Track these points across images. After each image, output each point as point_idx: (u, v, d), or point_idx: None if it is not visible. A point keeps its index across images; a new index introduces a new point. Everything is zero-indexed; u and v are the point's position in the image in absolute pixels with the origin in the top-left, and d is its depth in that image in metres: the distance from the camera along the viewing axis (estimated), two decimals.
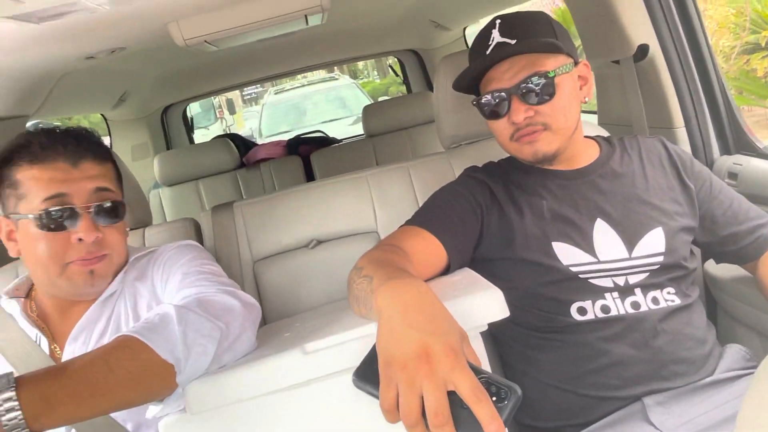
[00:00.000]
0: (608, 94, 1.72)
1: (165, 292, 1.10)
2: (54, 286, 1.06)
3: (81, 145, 1.07)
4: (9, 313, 1.09)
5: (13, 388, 0.67)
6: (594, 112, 1.89)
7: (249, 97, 16.74)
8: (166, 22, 1.30)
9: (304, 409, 0.80)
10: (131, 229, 1.44)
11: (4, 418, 0.66)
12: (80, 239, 1.02)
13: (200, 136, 3.84)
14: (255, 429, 0.79)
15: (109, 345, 0.80)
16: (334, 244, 1.46)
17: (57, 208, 1.01)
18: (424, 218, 1.12)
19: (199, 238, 1.48)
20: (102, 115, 3.02)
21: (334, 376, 0.79)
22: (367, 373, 0.71)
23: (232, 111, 13.43)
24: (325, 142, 3.32)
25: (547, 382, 1.08)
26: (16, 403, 0.67)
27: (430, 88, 3.48)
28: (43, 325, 1.09)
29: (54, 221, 1.01)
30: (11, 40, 0.97)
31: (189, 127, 3.77)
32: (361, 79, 16.15)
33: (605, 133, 1.35)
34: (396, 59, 3.85)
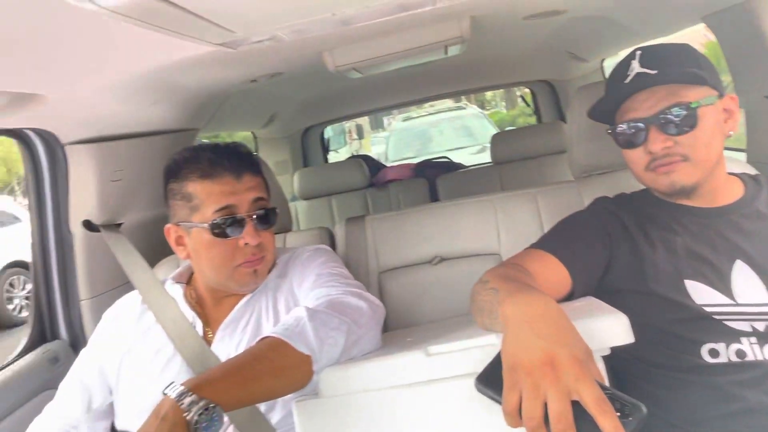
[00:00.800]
0: (760, 131, 1.62)
1: (300, 290, 1.22)
2: (221, 284, 1.21)
3: (242, 159, 1.21)
4: (172, 296, 1.26)
5: (191, 392, 0.80)
6: (744, 150, 1.77)
7: (376, 123, 17.47)
8: (321, 50, 1.45)
9: (424, 407, 0.85)
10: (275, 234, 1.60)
11: (194, 409, 0.78)
12: (246, 243, 1.17)
13: (330, 157, 4.12)
14: (378, 418, 0.86)
15: (255, 345, 0.93)
16: (456, 263, 1.51)
17: (227, 217, 1.16)
18: (551, 243, 1.13)
19: (332, 246, 1.61)
20: (252, 132, 3.35)
21: (454, 379, 0.84)
22: (490, 379, 0.75)
23: (360, 136, 14.04)
24: (451, 167, 3.40)
25: (672, 422, 1.04)
26: (195, 396, 0.79)
27: (562, 120, 3.44)
28: (199, 310, 1.25)
29: (225, 229, 1.16)
30: (199, 62, 1.15)
31: (325, 148, 4.04)
32: (489, 109, 16.15)
33: (753, 171, 1.28)
34: (528, 89, 3.86)
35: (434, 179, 2.95)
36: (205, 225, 1.16)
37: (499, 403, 0.71)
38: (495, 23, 1.67)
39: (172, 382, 0.84)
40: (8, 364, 1.43)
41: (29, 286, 7.06)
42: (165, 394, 0.82)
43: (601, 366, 0.81)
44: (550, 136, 2.74)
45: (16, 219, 7.44)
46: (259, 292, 1.24)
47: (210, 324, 1.24)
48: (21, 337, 1.55)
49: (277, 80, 1.82)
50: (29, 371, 1.43)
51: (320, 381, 0.90)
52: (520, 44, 2.37)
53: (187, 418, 0.78)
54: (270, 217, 1.24)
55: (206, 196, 1.17)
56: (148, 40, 0.84)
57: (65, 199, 1.47)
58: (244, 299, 1.23)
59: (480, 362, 0.78)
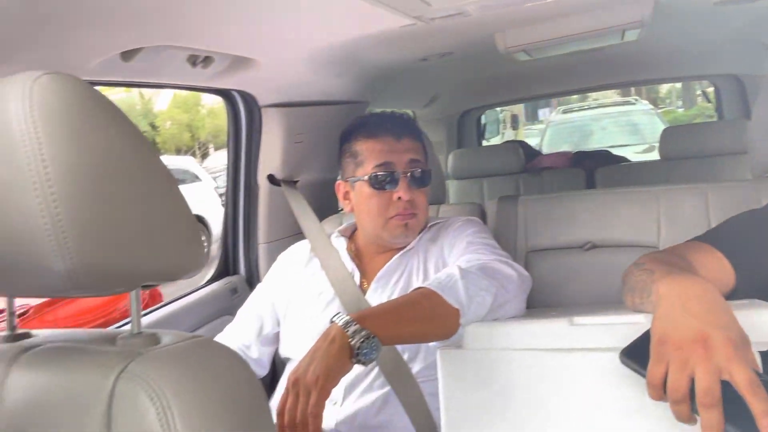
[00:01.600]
0: None
1: (451, 255, 1.30)
2: (376, 235, 1.35)
3: (403, 125, 1.36)
4: (336, 248, 1.42)
5: (355, 322, 0.93)
6: None
7: (532, 115, 16.96)
8: (494, 31, 1.50)
9: (561, 373, 0.89)
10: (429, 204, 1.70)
11: (357, 337, 0.91)
12: (399, 198, 1.29)
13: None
14: (516, 376, 0.91)
15: (411, 293, 1.04)
16: (609, 251, 1.49)
17: (385, 172, 1.29)
18: (717, 237, 1.08)
19: (483, 221, 1.67)
20: (412, 111, 3.48)
21: (595, 351, 0.86)
22: (635, 353, 0.76)
23: (515, 126, 13.72)
24: (613, 159, 3.24)
25: None
26: (359, 326, 0.92)
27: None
28: (358, 262, 1.39)
29: (382, 182, 1.30)
30: (386, 37, 1.27)
31: (480, 133, 4.06)
32: (662, 107, 14.85)
33: None
34: (712, 85, 3.53)
35: (592, 171, 2.85)
36: (366, 178, 1.30)
37: (643, 376, 0.73)
38: (681, 8, 1.59)
39: (339, 312, 0.97)
40: (197, 289, 1.71)
41: (203, 238, 8.02)
42: (333, 322, 0.95)
43: (759, 361, 0.78)
44: (729, 134, 2.50)
45: (196, 178, 8.46)
46: (412, 251, 1.35)
47: (366, 275, 1.37)
48: (191, 281, 1.83)
49: (444, 60, 1.89)
50: (214, 297, 1.68)
51: (465, 333, 0.97)
52: (707, 33, 2.19)
53: (351, 343, 0.90)
54: (424, 178, 1.34)
55: (369, 153, 1.32)
56: (352, 12, 0.97)
57: (256, 155, 1.70)
58: (397, 255, 1.34)
59: (624, 338, 0.80)
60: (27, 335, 0.68)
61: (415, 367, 1.23)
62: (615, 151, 3.80)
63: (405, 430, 1.18)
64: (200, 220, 7.93)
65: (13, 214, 0.50)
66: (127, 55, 0.96)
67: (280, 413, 0.91)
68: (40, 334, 0.69)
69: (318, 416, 0.89)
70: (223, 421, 0.54)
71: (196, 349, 0.60)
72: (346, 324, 0.93)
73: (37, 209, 0.49)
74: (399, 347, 1.21)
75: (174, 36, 0.97)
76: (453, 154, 3.07)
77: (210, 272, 1.83)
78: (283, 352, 1.37)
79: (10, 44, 0.85)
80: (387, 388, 1.21)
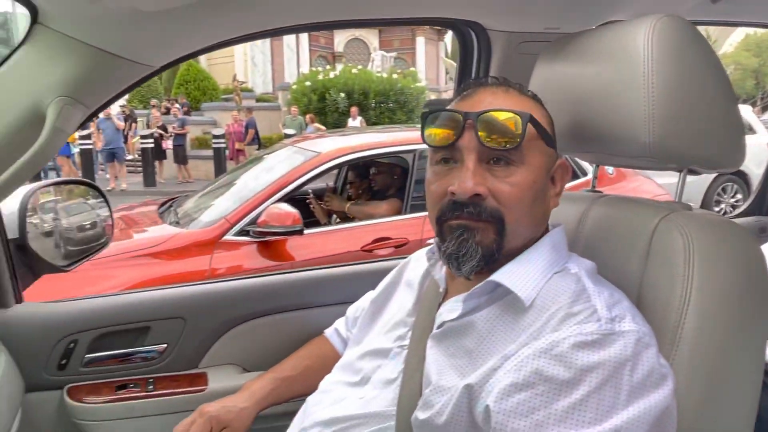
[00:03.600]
0: None
1: None
2: None
3: None
4: None
5: None
6: None
7: None
8: None
9: None
10: None
11: None
12: None
13: None
14: None
15: None
16: None
17: None
18: None
19: None
20: None
21: None
22: None
23: None
24: None
25: None
26: None
27: None
28: None
29: None
30: None
31: None
32: None
33: None
34: None
35: None
36: None
37: None
38: None
39: None
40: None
41: (739, 196, 7.40)
42: None
43: None
44: None
45: (750, 130, 7.67)
46: None
47: None
48: None
49: None
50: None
51: None
52: None
53: None
54: None
55: None
56: None
57: None
58: None
59: None
60: (600, 192, 1.05)
61: None
62: None
63: None
64: (739, 173, 7.32)
65: (624, 104, 0.83)
66: None
67: None
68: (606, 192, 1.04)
69: None
70: (730, 276, 0.75)
71: (724, 221, 0.82)
72: None
73: (640, 101, 0.80)
74: None
75: None
76: None
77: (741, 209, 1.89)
78: None
79: None
80: None
